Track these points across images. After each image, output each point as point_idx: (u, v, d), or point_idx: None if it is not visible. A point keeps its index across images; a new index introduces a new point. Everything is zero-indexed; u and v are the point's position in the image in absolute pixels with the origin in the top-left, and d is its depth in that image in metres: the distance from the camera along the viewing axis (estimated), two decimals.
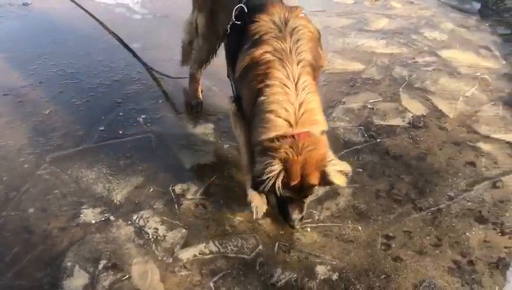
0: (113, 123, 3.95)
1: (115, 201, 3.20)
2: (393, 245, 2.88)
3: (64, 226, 3.02)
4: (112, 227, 3.01)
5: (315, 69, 2.84)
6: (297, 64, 2.70)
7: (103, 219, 3.07)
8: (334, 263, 2.78)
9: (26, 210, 3.12)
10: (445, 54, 5.10)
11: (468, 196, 3.20)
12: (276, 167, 2.55)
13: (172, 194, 3.26)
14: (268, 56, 2.72)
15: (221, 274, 2.71)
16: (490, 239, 2.89)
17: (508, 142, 3.69)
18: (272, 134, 2.61)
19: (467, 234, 2.93)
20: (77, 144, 3.72)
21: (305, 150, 2.56)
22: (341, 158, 3.51)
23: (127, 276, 2.70)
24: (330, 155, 2.68)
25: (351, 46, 5.29)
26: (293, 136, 2.59)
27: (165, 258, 2.80)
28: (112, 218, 3.07)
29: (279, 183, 2.56)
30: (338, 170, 2.66)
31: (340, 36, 5.49)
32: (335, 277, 2.70)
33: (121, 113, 4.06)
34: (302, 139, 2.58)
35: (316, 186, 2.71)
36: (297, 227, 2.86)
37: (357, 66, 4.84)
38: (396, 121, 3.97)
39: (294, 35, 2.77)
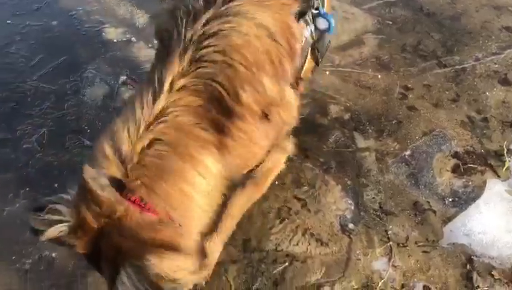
0: None
1: (137, 24, 3.19)
2: (410, 96, 2.87)
3: (87, 41, 3.05)
4: (133, 48, 3.04)
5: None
6: (190, 61, 1.45)
7: (125, 39, 3.09)
8: (348, 104, 2.81)
9: (49, 22, 3.13)
10: None
11: (497, 59, 3.09)
12: (63, 210, 1.39)
13: None
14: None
15: None
16: (510, 100, 2.85)
17: None
18: (98, 162, 1.43)
19: (487, 93, 2.88)
20: None
21: (114, 226, 1.38)
22: (371, 10, 3.41)
23: None
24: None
25: None
26: (121, 189, 1.39)
27: None
28: (133, 39, 3.08)
29: (55, 234, 1.39)
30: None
31: None
32: (347, 116, 2.75)
33: None
34: (128, 205, 1.38)
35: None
36: None
37: None
38: None
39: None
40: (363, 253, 2.20)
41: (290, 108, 1.70)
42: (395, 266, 2.15)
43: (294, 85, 1.73)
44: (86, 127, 2.60)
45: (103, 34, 3.10)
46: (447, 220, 2.32)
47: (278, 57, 1.58)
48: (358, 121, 2.72)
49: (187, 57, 1.44)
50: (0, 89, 2.77)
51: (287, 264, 2.16)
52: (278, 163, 2.01)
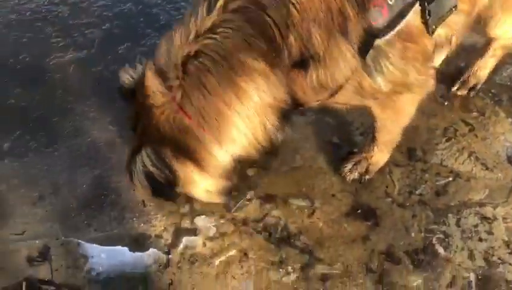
0: None
1: None
2: None
3: None
4: None
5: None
6: None
7: None
8: None
9: None
10: None
11: None
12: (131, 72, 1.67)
13: None
14: None
15: None
16: None
17: None
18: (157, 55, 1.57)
19: None
20: None
21: (151, 112, 1.53)
22: None
23: None
24: None
25: None
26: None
27: None
28: None
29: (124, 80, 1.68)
30: None
31: None
32: None
33: None
34: (170, 101, 1.52)
35: None
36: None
37: None
38: None
39: None
40: None
41: (334, 68, 1.42)
42: None
43: (361, 47, 1.40)
44: None
45: None
46: None
47: (338, 5, 1.35)
48: None
49: None
50: None
51: (450, 179, 2.21)
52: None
